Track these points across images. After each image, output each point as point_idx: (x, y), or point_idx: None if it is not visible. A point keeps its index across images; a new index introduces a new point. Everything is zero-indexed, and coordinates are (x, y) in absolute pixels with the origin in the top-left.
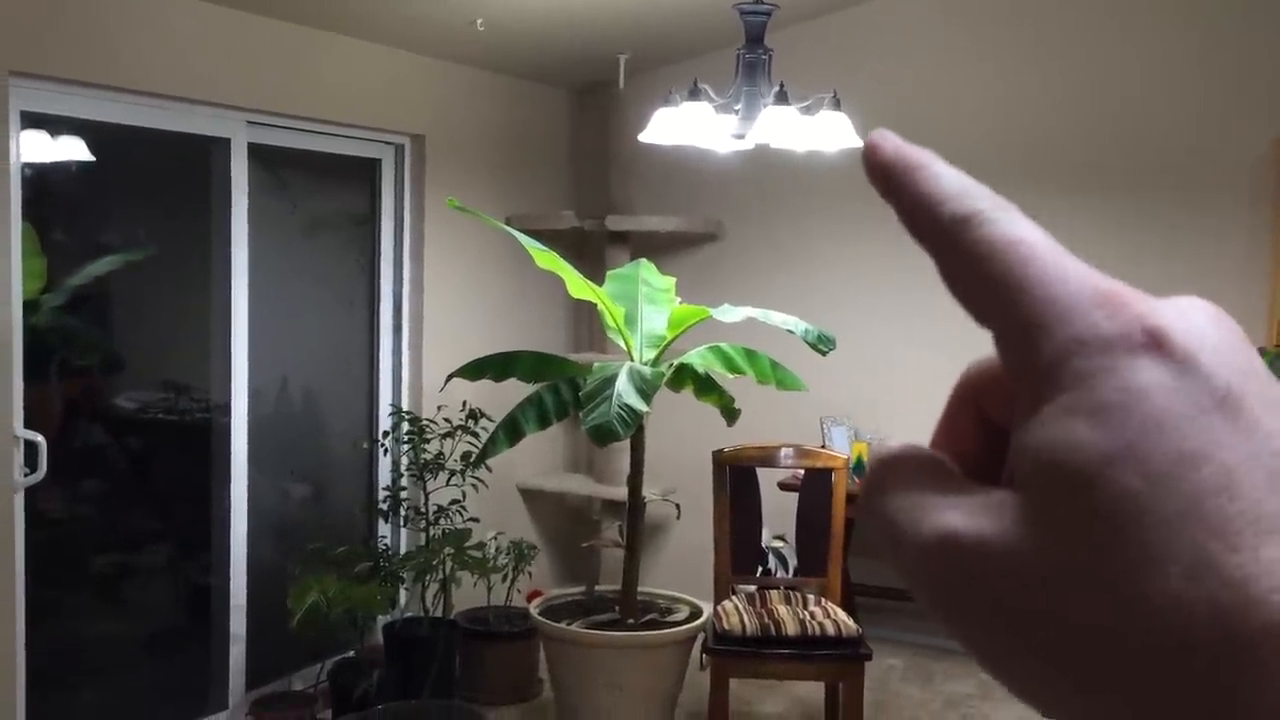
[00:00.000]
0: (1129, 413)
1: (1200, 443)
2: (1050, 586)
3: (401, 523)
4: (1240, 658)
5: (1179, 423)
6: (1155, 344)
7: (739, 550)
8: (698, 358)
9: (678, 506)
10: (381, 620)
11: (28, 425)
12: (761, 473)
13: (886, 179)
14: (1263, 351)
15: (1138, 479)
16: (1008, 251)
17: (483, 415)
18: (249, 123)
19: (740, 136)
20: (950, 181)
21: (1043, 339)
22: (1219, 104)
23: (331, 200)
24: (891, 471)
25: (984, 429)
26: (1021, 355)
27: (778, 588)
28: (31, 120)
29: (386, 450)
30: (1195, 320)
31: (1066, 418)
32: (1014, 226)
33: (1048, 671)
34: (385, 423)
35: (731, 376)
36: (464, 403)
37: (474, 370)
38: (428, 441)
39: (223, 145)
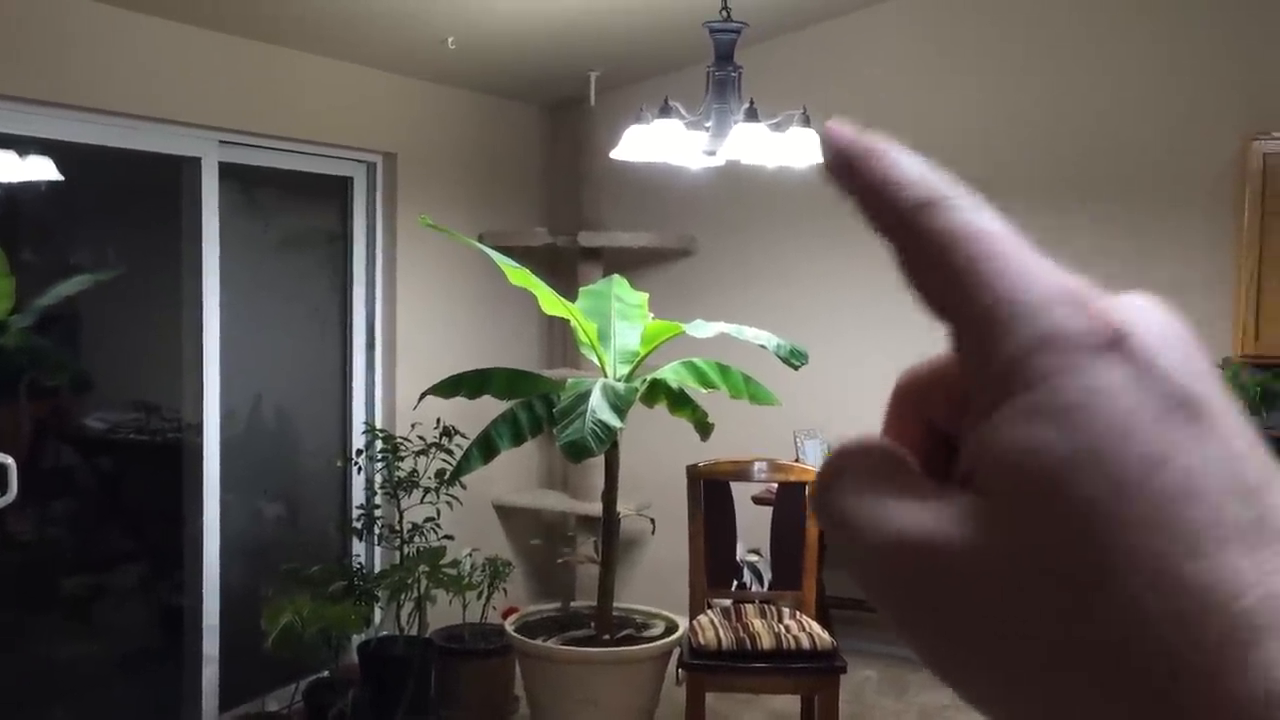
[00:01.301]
0: (1093, 414)
1: (1161, 446)
2: (1010, 592)
3: (376, 541)
4: (1200, 666)
5: (1141, 426)
6: (1118, 343)
7: (714, 565)
8: (671, 373)
9: (652, 522)
10: (356, 639)
11: None
12: (735, 487)
13: (845, 165)
14: (1228, 362)
15: (1101, 484)
16: (972, 241)
17: (457, 432)
18: (220, 142)
19: (711, 153)
20: (912, 167)
21: (1005, 334)
22: (1185, 113)
23: (303, 219)
24: (848, 464)
25: (927, 433)
26: (982, 350)
27: (753, 601)
28: None
29: (360, 468)
30: (1154, 320)
31: (1029, 418)
32: (978, 216)
33: (1000, 677)
34: (359, 441)
35: (705, 391)
36: (438, 420)
37: (447, 387)
38: (401, 459)
39: (194, 164)
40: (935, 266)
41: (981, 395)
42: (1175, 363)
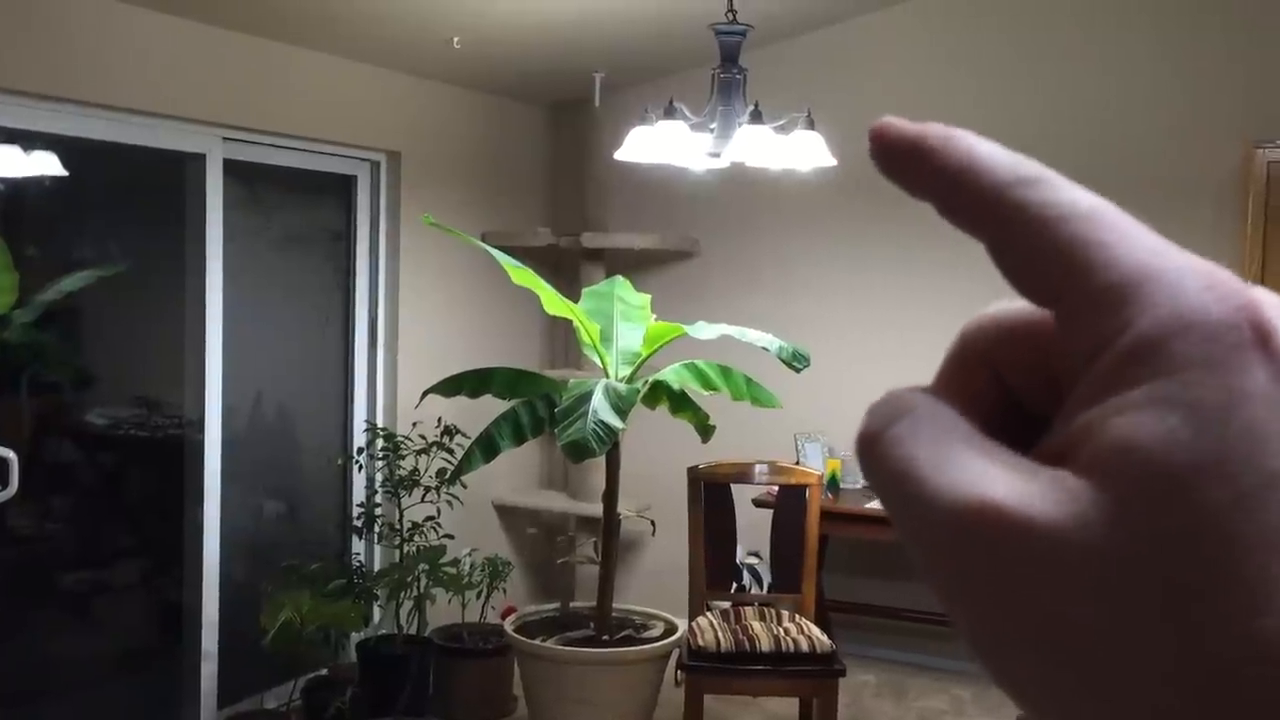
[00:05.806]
0: (1230, 416)
1: None
2: (1106, 589)
3: (376, 539)
4: None
5: (1273, 439)
6: (1262, 342)
7: (714, 567)
8: (673, 375)
9: (653, 523)
10: (355, 637)
11: None
12: (736, 489)
13: (914, 155)
14: None
15: (1225, 494)
16: (1088, 214)
17: (458, 431)
18: (224, 139)
19: (715, 155)
20: (997, 147)
21: (1136, 310)
22: (1189, 120)
23: (307, 216)
24: (916, 407)
25: (991, 387)
26: (1103, 326)
27: (752, 604)
28: (4, 135)
29: (361, 467)
30: None
31: (1161, 408)
32: (1086, 193)
33: (1067, 682)
34: (360, 439)
35: (706, 393)
36: (439, 419)
37: (449, 386)
38: (402, 458)
39: (198, 161)
40: (1045, 240)
41: (1096, 374)
42: None
